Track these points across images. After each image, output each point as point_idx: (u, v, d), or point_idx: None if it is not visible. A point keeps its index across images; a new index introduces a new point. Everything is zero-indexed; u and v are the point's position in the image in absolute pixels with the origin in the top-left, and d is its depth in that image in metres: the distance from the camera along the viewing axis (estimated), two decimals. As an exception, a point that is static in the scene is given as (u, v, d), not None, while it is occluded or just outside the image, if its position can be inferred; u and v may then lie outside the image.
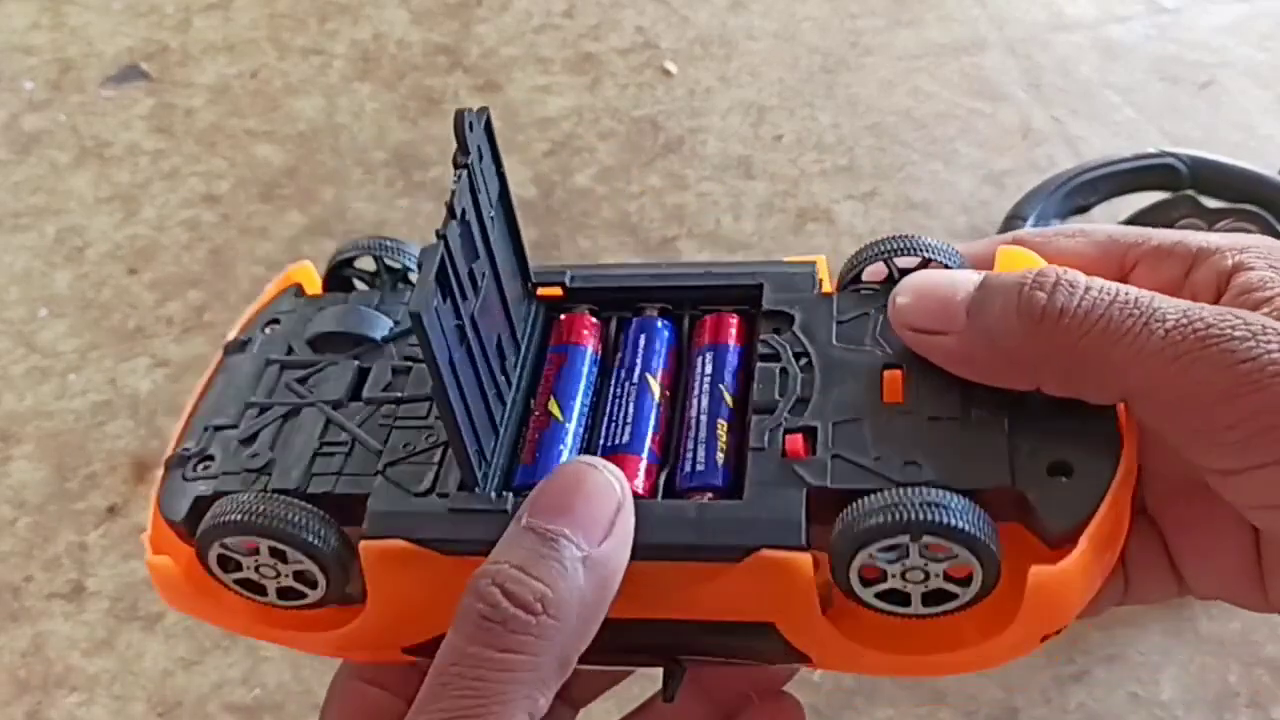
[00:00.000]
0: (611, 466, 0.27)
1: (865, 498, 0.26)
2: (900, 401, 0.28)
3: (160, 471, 0.31)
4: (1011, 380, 0.27)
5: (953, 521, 0.25)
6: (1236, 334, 0.23)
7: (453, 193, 0.29)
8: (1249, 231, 0.91)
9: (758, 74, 1.06)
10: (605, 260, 0.95)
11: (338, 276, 0.35)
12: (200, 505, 0.29)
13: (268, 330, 0.34)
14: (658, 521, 0.27)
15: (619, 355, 0.32)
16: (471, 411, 0.28)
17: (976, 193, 0.98)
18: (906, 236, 0.31)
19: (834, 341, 0.30)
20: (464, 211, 0.29)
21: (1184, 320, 0.24)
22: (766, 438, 0.28)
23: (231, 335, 0.34)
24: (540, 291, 0.34)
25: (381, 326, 0.32)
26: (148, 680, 0.76)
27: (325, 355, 0.32)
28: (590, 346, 0.32)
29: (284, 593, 0.29)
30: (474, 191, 0.30)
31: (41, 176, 0.99)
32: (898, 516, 0.25)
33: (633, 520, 0.26)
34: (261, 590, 0.29)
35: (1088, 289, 0.25)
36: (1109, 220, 0.94)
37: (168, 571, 0.30)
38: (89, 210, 0.97)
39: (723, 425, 0.30)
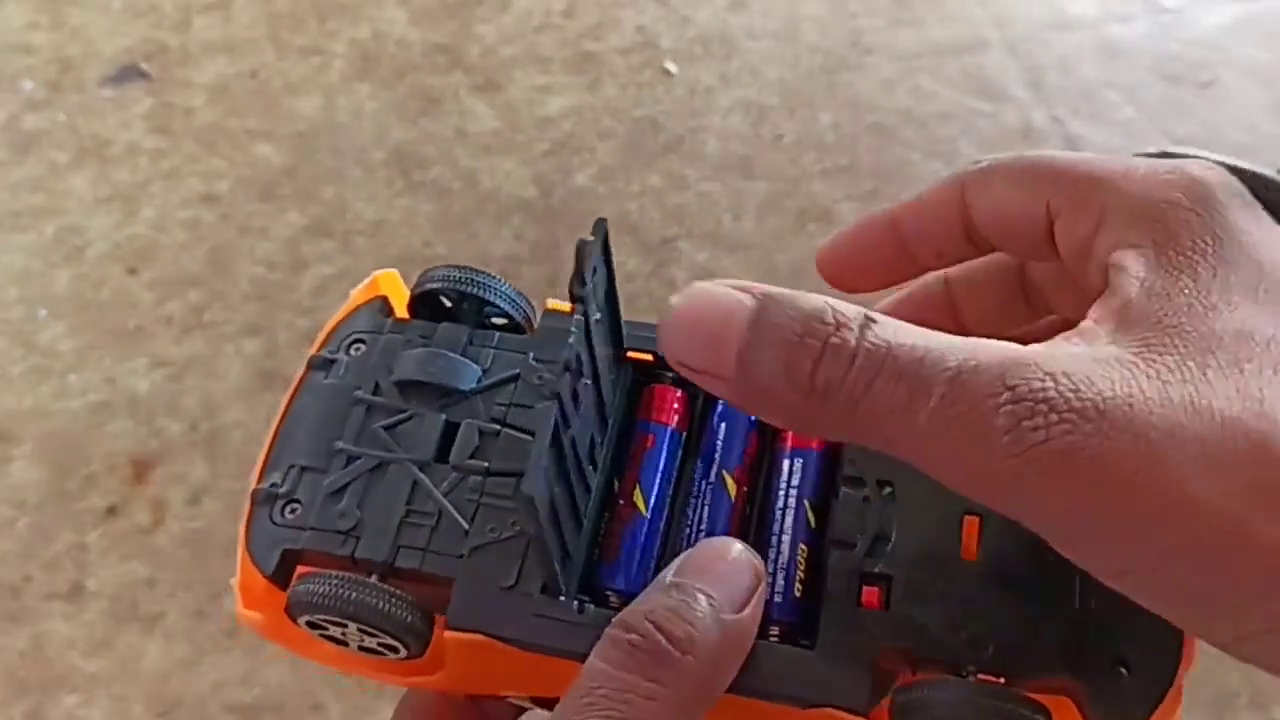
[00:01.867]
0: (750, 549, 0.27)
1: (935, 688, 0.26)
2: (975, 560, 0.28)
3: (246, 505, 0.31)
4: (797, 432, 0.27)
5: None
6: (999, 422, 0.21)
7: (570, 344, 0.27)
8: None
9: (758, 73, 1.06)
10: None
11: (424, 296, 0.35)
12: (289, 558, 0.30)
13: (352, 351, 0.33)
14: None
15: (701, 439, 0.32)
16: (561, 524, 0.28)
17: (977, 192, 0.98)
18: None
19: (921, 474, 0.28)
20: (578, 357, 0.28)
21: (949, 400, 0.22)
22: (843, 583, 0.29)
23: (314, 349, 0.34)
24: (630, 354, 0.33)
25: (469, 377, 0.32)
26: (147, 680, 0.76)
27: (412, 403, 0.32)
28: (674, 425, 0.32)
29: (369, 650, 0.30)
30: (588, 332, 0.29)
31: (41, 176, 0.99)
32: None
33: (763, 603, 0.27)
34: (348, 645, 0.30)
35: (855, 356, 0.23)
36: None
37: (259, 623, 0.30)
38: (88, 210, 0.97)
39: (803, 551, 0.30)
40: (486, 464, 0.30)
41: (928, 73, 1.05)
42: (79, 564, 0.80)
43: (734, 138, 1.01)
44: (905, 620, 0.28)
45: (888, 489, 0.29)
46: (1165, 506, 0.21)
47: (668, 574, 0.26)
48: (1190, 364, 0.22)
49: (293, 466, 0.31)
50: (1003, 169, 0.30)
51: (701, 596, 0.25)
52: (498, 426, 0.31)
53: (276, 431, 0.32)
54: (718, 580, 0.26)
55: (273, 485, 0.31)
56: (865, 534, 0.29)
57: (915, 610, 0.28)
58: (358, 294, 0.35)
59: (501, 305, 0.33)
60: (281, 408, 0.33)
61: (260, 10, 1.12)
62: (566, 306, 0.33)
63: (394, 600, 0.28)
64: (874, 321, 0.23)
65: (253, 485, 0.31)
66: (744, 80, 1.05)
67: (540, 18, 1.11)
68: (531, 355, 0.32)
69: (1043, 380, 0.22)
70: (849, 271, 0.32)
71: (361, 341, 0.33)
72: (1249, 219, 0.25)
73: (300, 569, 0.30)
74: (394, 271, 0.35)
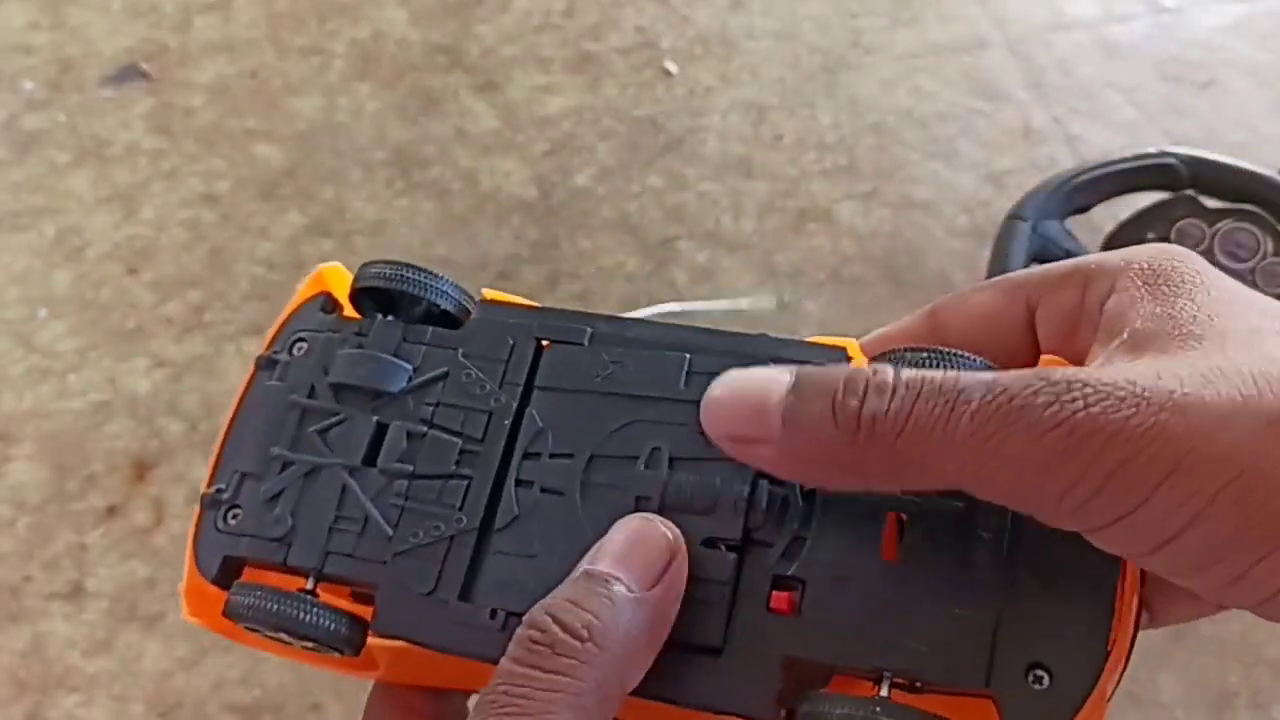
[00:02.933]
0: (669, 524, 0.28)
1: (833, 704, 0.26)
2: (895, 560, 0.28)
3: (196, 510, 0.33)
4: (837, 484, 0.27)
5: None
6: (1040, 400, 0.23)
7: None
8: (1249, 231, 0.91)
9: (758, 73, 1.06)
10: (604, 262, 0.95)
11: (364, 290, 0.35)
12: (229, 564, 0.31)
13: (295, 350, 0.34)
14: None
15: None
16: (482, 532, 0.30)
17: (977, 192, 0.98)
18: (932, 350, 0.30)
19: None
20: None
21: (988, 398, 0.23)
22: (755, 585, 0.28)
23: (263, 347, 0.35)
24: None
25: (399, 378, 0.33)
26: (147, 680, 0.76)
27: (345, 405, 0.33)
28: None
29: (310, 649, 0.31)
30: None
31: (41, 176, 0.99)
32: None
33: (685, 571, 0.27)
34: (291, 645, 0.31)
35: (895, 389, 0.24)
36: (1110, 220, 0.94)
37: (203, 624, 0.32)
38: (88, 210, 0.97)
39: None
40: (411, 468, 0.31)
41: (928, 73, 1.05)
42: (79, 564, 0.80)
43: (734, 138, 1.01)
44: (816, 626, 0.27)
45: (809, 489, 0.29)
46: (1201, 459, 0.22)
47: (583, 563, 0.27)
48: (1209, 347, 0.23)
49: (236, 472, 0.32)
50: (974, 287, 0.31)
51: (611, 580, 0.26)
52: (425, 428, 0.32)
53: (225, 435, 0.34)
54: (628, 561, 0.27)
55: (218, 491, 0.32)
56: (783, 533, 0.29)
57: (828, 616, 0.27)
58: (303, 288, 0.35)
59: (437, 302, 0.34)
60: (232, 409, 0.34)
61: (260, 10, 1.12)
62: (504, 296, 0.34)
63: (320, 613, 0.29)
64: (907, 367, 0.25)
65: (203, 489, 0.33)
66: (744, 80, 1.05)
67: (540, 18, 1.11)
68: (461, 351, 0.33)
69: (1075, 373, 0.23)
70: None
71: (304, 340, 0.34)
72: (1218, 272, 0.27)
73: (243, 573, 0.32)
74: (338, 265, 0.36)
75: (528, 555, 0.30)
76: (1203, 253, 0.90)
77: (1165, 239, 0.90)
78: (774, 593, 0.28)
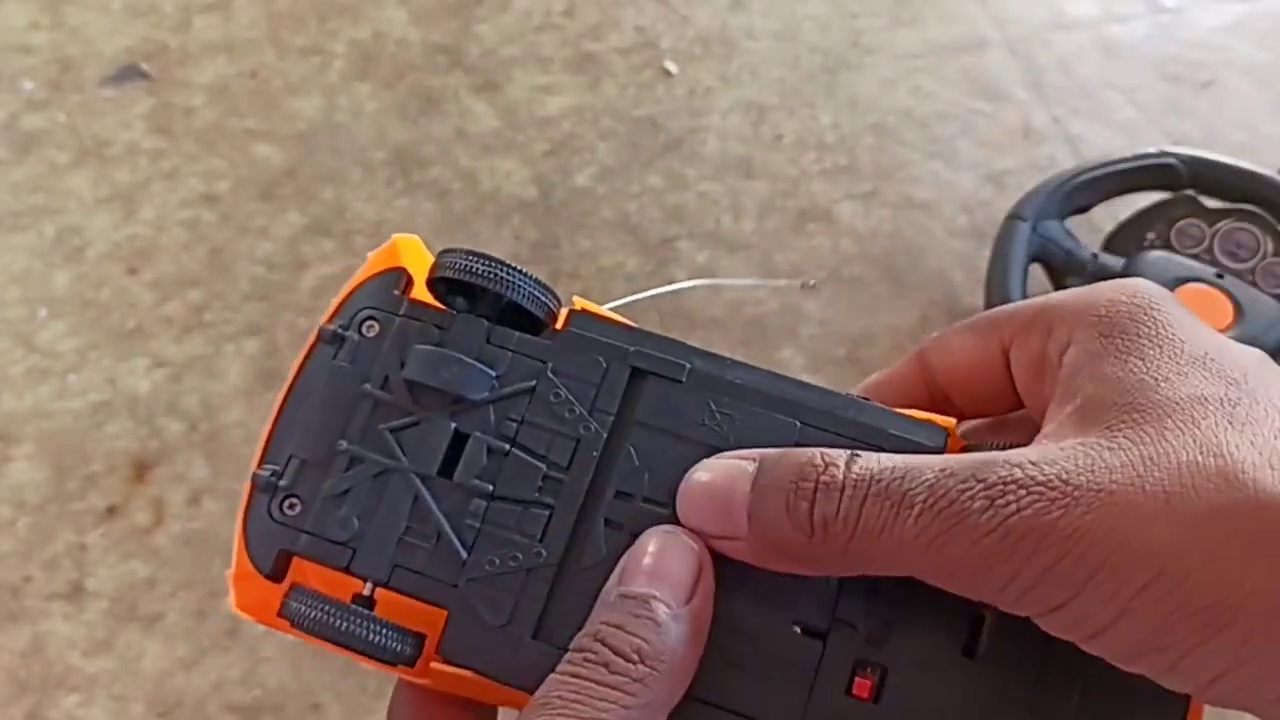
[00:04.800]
0: (687, 531, 0.28)
1: None
2: (977, 658, 0.28)
3: (246, 489, 0.31)
4: (803, 573, 0.28)
5: None
6: (976, 504, 0.24)
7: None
8: (1249, 231, 0.91)
9: (758, 73, 1.06)
10: (604, 262, 0.95)
11: (443, 279, 0.33)
12: (284, 559, 0.30)
13: (364, 329, 0.32)
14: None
15: None
16: (562, 567, 0.29)
17: (977, 192, 0.98)
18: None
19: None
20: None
21: (929, 501, 0.24)
22: (837, 666, 0.28)
23: (325, 318, 0.32)
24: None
25: (482, 385, 0.31)
26: (147, 680, 0.76)
27: (421, 405, 0.31)
28: None
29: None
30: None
31: (41, 176, 0.99)
32: None
33: (713, 578, 0.28)
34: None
35: (843, 489, 0.25)
36: (1110, 220, 0.94)
37: (253, 618, 0.31)
38: (88, 210, 0.97)
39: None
40: (491, 487, 0.30)
41: (928, 73, 1.05)
42: (79, 564, 0.80)
43: (734, 138, 1.01)
44: (893, 715, 0.27)
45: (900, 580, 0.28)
46: (1124, 558, 0.23)
47: (611, 586, 0.27)
48: (1148, 429, 0.24)
49: (293, 457, 0.30)
50: (956, 329, 0.31)
51: (651, 601, 0.26)
52: (507, 445, 0.30)
53: (280, 409, 0.31)
54: (662, 577, 0.27)
55: (273, 474, 0.30)
56: (871, 617, 0.28)
57: (906, 707, 0.27)
58: (375, 258, 0.33)
59: (524, 305, 0.31)
60: (288, 381, 0.32)
61: (260, 10, 1.12)
62: (596, 308, 0.32)
63: (386, 633, 0.28)
64: (858, 456, 0.26)
65: (253, 467, 0.31)
66: (744, 80, 1.05)
67: (540, 18, 1.11)
68: (550, 366, 0.31)
69: (1009, 469, 0.24)
70: None
71: (374, 320, 0.32)
72: (1179, 309, 0.27)
73: (295, 570, 0.30)
74: (416, 238, 0.33)
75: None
76: (1203, 252, 0.91)
77: (1165, 239, 0.90)
78: (856, 678, 0.28)
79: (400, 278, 0.32)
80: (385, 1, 1.12)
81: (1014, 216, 0.88)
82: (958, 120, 1.02)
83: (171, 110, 1.04)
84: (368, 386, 0.31)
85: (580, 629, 0.28)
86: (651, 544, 0.28)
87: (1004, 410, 0.31)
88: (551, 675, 0.26)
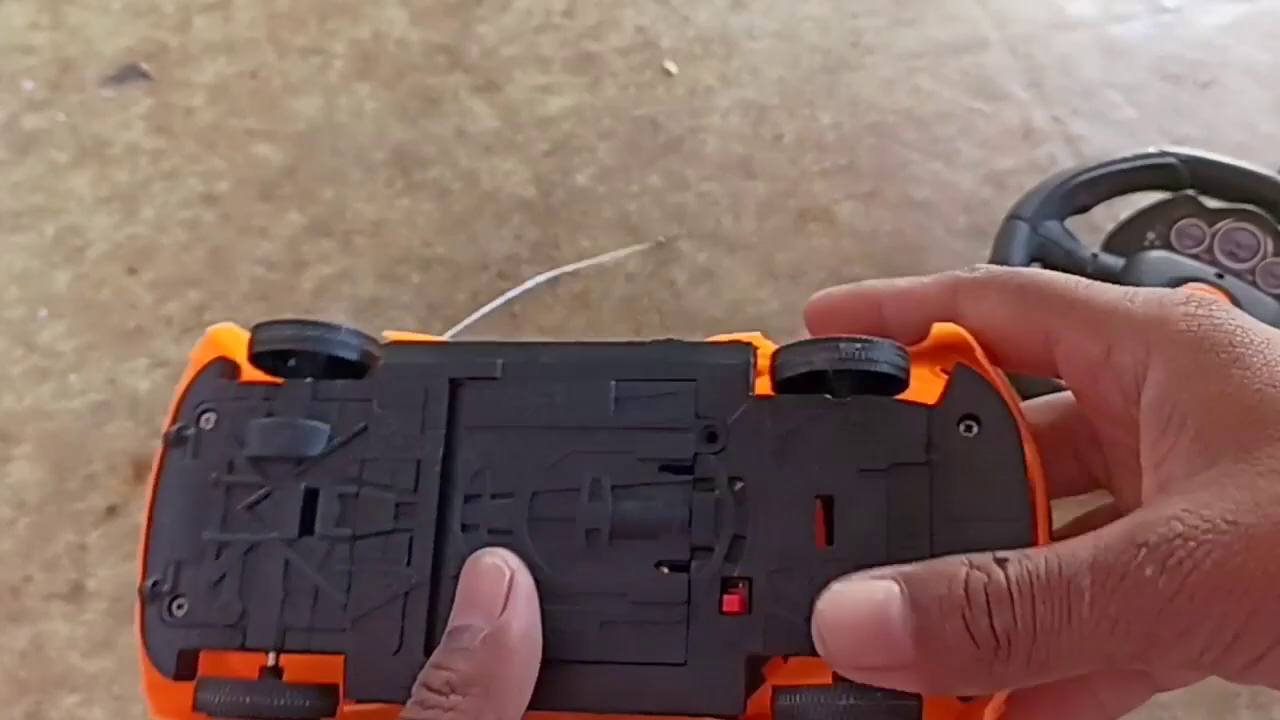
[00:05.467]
0: (499, 551, 0.29)
1: (810, 696, 0.28)
2: (827, 546, 0.29)
3: (137, 605, 0.32)
4: (984, 692, 0.26)
5: None
6: (1148, 573, 0.22)
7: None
8: (1249, 231, 0.91)
9: (758, 73, 1.06)
10: (604, 263, 0.95)
11: (263, 354, 0.34)
12: (186, 657, 0.32)
13: (202, 422, 0.34)
14: (602, 685, 0.29)
15: None
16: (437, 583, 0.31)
17: (977, 192, 0.98)
18: (836, 341, 0.30)
19: (768, 462, 0.30)
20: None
21: (1099, 584, 0.23)
22: (704, 591, 0.30)
23: (166, 424, 0.35)
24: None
25: (319, 440, 0.32)
26: (147, 680, 0.76)
27: (269, 476, 0.32)
28: None
29: None
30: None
31: (41, 176, 0.99)
32: None
33: (528, 588, 0.29)
34: None
35: (1011, 595, 0.24)
36: (1110, 220, 0.94)
37: (170, 718, 0.32)
38: (88, 210, 0.97)
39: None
40: (350, 530, 0.31)
41: (928, 73, 1.05)
42: (79, 564, 0.80)
43: (734, 138, 1.01)
44: (768, 620, 0.29)
45: (738, 484, 0.30)
46: None
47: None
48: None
49: (170, 562, 0.32)
50: (999, 284, 0.30)
51: (460, 631, 0.28)
52: (355, 487, 0.32)
53: (149, 523, 0.33)
54: (470, 603, 0.29)
55: (155, 583, 0.32)
56: (721, 536, 0.30)
57: (776, 608, 0.29)
58: (197, 354, 0.35)
59: (340, 354, 0.33)
60: (148, 496, 0.33)
61: (260, 10, 1.12)
62: (408, 336, 0.34)
63: (291, 694, 0.30)
64: (1006, 560, 0.24)
65: (138, 583, 0.32)
66: (744, 80, 1.05)
67: (540, 18, 1.11)
68: (376, 402, 0.32)
69: (1167, 524, 0.23)
70: (825, 329, 0.33)
71: (210, 410, 0.34)
72: (1236, 310, 0.26)
73: (206, 662, 0.32)
74: (230, 326, 0.35)
75: None
76: (1203, 253, 0.91)
77: (1165, 239, 0.90)
78: (724, 596, 0.29)
79: (225, 365, 0.34)
80: (385, 1, 1.12)
81: (1014, 216, 0.88)
82: (958, 120, 1.02)
83: (172, 110, 1.04)
84: (215, 475, 0.33)
85: None
86: (462, 573, 0.29)
87: (1025, 372, 0.30)
88: None
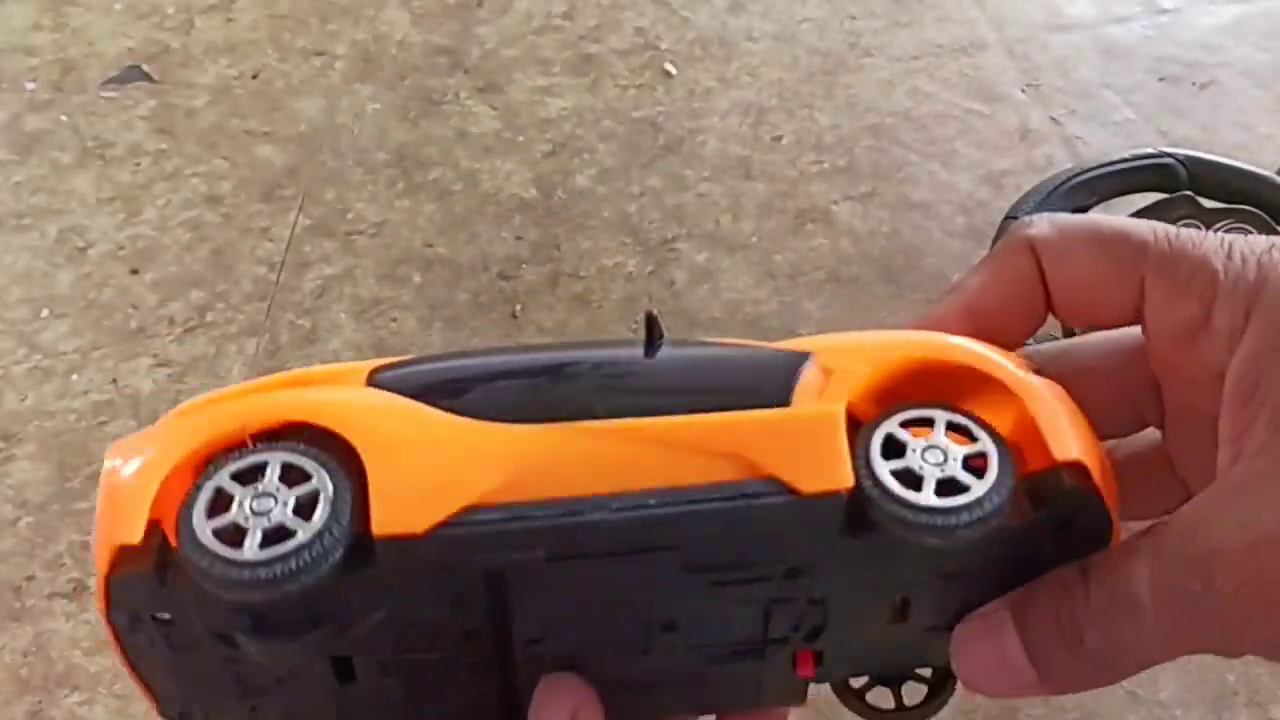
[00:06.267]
0: (569, 682, 0.27)
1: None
2: (907, 619, 0.29)
3: None
4: (1081, 689, 0.29)
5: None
6: (1197, 593, 0.24)
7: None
8: (1247, 232, 0.91)
9: (757, 75, 1.06)
10: (605, 263, 0.95)
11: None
12: None
13: (156, 619, 0.26)
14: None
15: None
16: None
17: (975, 193, 0.98)
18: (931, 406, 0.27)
19: (849, 586, 0.28)
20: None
21: (1162, 611, 0.25)
22: (778, 660, 0.29)
23: (99, 603, 0.26)
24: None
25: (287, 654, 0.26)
26: (149, 679, 0.76)
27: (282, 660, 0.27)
28: None
29: None
30: None
31: (43, 177, 1.00)
32: None
33: (594, 700, 0.27)
34: None
35: (1097, 621, 0.26)
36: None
37: None
38: (90, 211, 0.98)
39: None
40: (401, 680, 0.27)
41: (926, 74, 1.06)
42: (81, 563, 0.80)
43: (733, 139, 1.01)
44: (843, 669, 0.30)
45: (820, 602, 0.28)
46: None
47: None
48: None
49: (190, 707, 0.27)
50: (1085, 239, 0.29)
51: None
52: (393, 655, 0.27)
53: (141, 683, 0.26)
54: None
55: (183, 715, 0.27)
56: (800, 631, 0.29)
57: (845, 663, 0.29)
58: (101, 551, 0.26)
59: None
60: (121, 662, 0.26)
61: (262, 12, 1.12)
62: (395, 527, 0.24)
63: None
64: (1088, 580, 0.26)
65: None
66: (743, 82, 1.06)
67: (541, 20, 1.11)
68: (384, 614, 0.26)
69: (1219, 537, 0.24)
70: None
71: (162, 616, 0.27)
72: None
73: None
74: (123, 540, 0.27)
75: None
76: (1200, 253, 0.91)
77: (1163, 239, 0.90)
78: (800, 658, 0.29)
79: (150, 580, 0.25)
80: (386, 3, 1.13)
81: (1012, 217, 0.88)
82: (956, 121, 1.02)
83: (174, 111, 1.04)
84: (217, 667, 0.26)
85: None
86: (530, 709, 0.27)
87: (1113, 326, 0.30)
88: None
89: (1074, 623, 0.26)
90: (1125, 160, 0.92)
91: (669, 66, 1.06)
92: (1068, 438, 0.26)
